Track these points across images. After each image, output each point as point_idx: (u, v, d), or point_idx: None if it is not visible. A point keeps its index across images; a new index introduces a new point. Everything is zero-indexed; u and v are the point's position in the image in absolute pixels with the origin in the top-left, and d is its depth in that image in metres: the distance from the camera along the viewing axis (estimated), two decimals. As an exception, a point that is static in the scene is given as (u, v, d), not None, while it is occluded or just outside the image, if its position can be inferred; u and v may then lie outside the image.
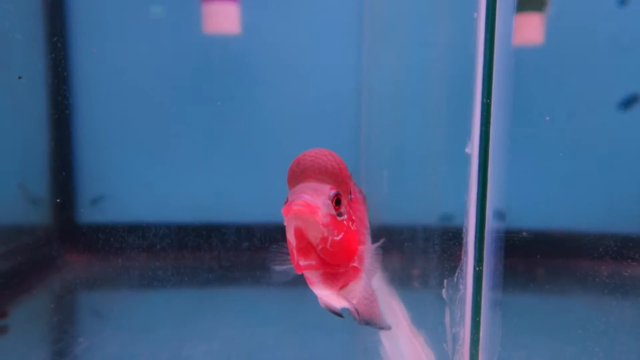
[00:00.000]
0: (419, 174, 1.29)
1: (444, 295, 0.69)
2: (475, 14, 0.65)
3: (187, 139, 1.41)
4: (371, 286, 0.65)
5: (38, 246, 1.29)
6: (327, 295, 0.60)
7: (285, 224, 0.53)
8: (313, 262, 0.54)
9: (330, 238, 0.54)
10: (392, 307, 1.02)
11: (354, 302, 0.61)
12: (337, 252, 0.55)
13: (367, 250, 0.61)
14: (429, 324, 0.87)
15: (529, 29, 1.26)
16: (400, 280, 1.13)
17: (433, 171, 1.24)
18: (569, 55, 1.35)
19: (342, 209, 0.56)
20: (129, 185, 1.44)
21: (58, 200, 1.38)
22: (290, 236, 0.53)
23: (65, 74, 1.28)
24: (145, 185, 1.43)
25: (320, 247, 0.53)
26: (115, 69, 1.35)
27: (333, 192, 0.55)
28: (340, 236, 0.55)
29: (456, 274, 0.67)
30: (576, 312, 1.17)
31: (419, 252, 1.14)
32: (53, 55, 1.24)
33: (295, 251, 0.54)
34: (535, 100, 1.38)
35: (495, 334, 0.65)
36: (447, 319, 0.70)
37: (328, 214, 0.53)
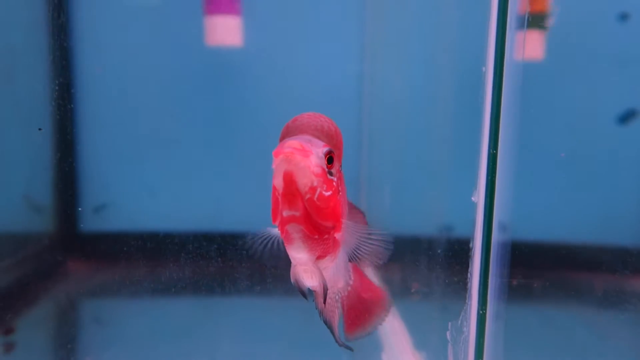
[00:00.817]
0: (421, 186, 1.30)
1: (448, 337, 0.71)
2: (484, 68, 0.66)
3: (189, 148, 1.42)
4: (346, 277, 0.64)
5: (42, 255, 1.30)
6: (302, 263, 0.57)
7: (273, 167, 0.51)
8: (297, 214, 0.51)
9: (319, 190, 0.51)
10: (394, 328, 1.04)
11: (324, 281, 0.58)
12: (324, 208, 0.52)
13: (348, 227, 0.59)
14: (430, 344, 0.89)
15: (530, 46, 1.28)
16: (401, 295, 1.15)
17: (435, 183, 1.25)
18: (569, 71, 1.36)
19: (334, 170, 0.54)
20: (131, 193, 1.45)
21: (61, 208, 1.39)
22: (278, 182, 0.50)
23: (68, 84, 1.28)
24: (148, 193, 1.44)
25: (308, 196, 0.51)
26: (118, 79, 1.35)
27: (327, 148, 0.53)
28: (329, 193, 0.52)
29: (460, 317, 0.69)
30: (570, 327, 1.20)
31: (421, 265, 1.16)
32: (57, 66, 1.24)
33: (280, 199, 0.51)
34: (536, 114, 1.39)
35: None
36: (450, 358, 0.72)
37: (320, 166, 0.51)
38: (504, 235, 1.40)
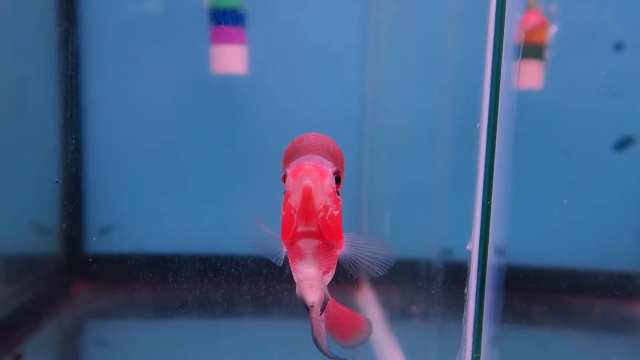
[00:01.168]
0: (421, 209, 1.33)
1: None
2: (478, 124, 0.69)
3: (194, 173, 1.45)
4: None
5: (48, 277, 1.32)
6: (310, 278, 0.58)
7: (288, 186, 0.52)
8: (313, 229, 0.53)
9: (330, 209, 0.53)
10: (392, 354, 1.06)
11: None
12: (333, 226, 0.54)
13: (347, 239, 0.61)
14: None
15: (529, 76, 1.31)
16: (399, 318, 1.17)
17: (435, 206, 1.28)
18: (566, 100, 1.39)
19: (339, 190, 0.56)
20: (137, 216, 1.48)
21: (64, 225, 1.42)
22: (296, 198, 0.51)
23: (77, 109, 1.31)
24: (152, 216, 1.47)
25: (321, 214, 0.52)
26: (125, 105, 1.39)
27: (336, 168, 0.54)
28: (337, 212, 0.54)
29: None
30: (565, 352, 1.22)
31: (420, 289, 1.18)
32: (66, 95, 1.27)
33: (296, 215, 0.52)
34: (535, 141, 1.42)
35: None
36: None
37: (332, 185, 0.53)
38: (501, 259, 1.43)
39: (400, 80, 1.36)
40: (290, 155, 0.55)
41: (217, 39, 1.28)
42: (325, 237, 0.54)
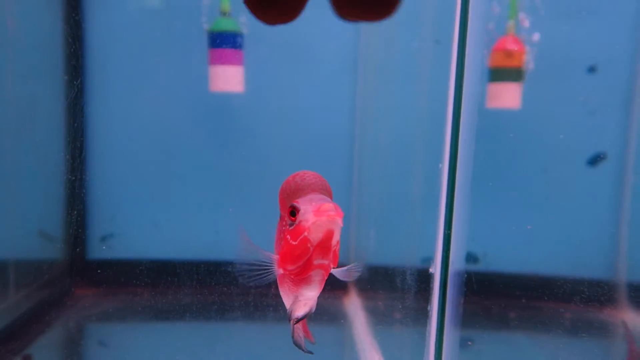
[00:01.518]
0: (403, 222, 1.41)
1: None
2: (440, 165, 0.77)
3: (191, 183, 1.53)
4: None
5: (54, 282, 1.40)
6: (309, 298, 0.64)
7: (305, 222, 0.57)
8: (327, 262, 0.59)
9: (338, 243, 0.59)
10: (372, 354, 1.15)
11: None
12: (337, 256, 0.60)
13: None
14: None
15: (508, 96, 1.39)
16: (383, 322, 1.25)
17: (416, 219, 1.36)
18: (543, 118, 1.48)
19: None
20: (136, 224, 1.55)
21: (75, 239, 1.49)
22: (317, 236, 0.57)
23: (81, 123, 1.39)
24: (151, 224, 1.55)
25: (334, 249, 0.59)
26: (127, 120, 1.47)
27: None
28: (339, 245, 0.61)
29: (425, 347, 0.80)
30: (535, 354, 1.30)
31: (401, 295, 1.26)
32: (71, 110, 1.35)
33: (314, 249, 0.58)
34: (514, 157, 1.51)
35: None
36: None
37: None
38: (474, 266, 1.51)
39: (386, 103, 1.45)
40: (294, 192, 0.60)
41: (215, 60, 1.36)
42: (334, 266, 0.61)
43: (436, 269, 0.85)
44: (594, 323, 1.38)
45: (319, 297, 0.67)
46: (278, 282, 0.66)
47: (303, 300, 0.65)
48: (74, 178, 1.42)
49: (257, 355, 1.25)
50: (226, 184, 1.52)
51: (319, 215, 0.57)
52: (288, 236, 0.60)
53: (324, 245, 0.58)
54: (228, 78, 1.36)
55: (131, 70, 1.43)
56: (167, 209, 1.53)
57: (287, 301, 0.68)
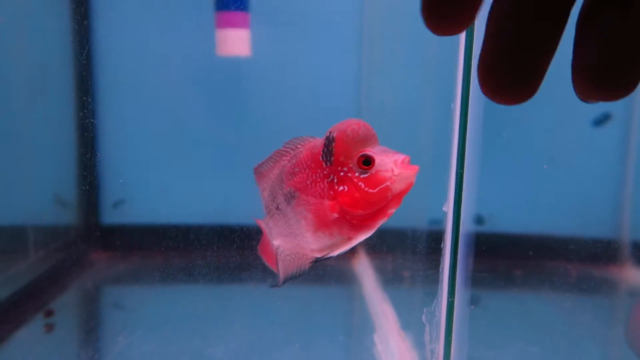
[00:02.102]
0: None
1: (424, 319, 0.85)
2: (452, 104, 0.79)
3: (202, 149, 1.55)
4: None
5: (69, 246, 1.43)
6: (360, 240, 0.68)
7: (396, 177, 0.59)
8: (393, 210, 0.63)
9: None
10: (384, 311, 1.18)
11: None
12: None
13: None
14: (414, 325, 1.02)
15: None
16: (392, 283, 1.28)
17: (424, 181, 1.38)
18: (550, 81, 1.48)
19: None
20: (147, 190, 1.58)
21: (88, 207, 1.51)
22: (400, 186, 0.59)
23: (90, 91, 1.40)
24: (162, 190, 1.57)
25: None
26: (136, 86, 1.48)
27: None
28: None
29: (433, 304, 0.82)
30: (545, 313, 1.33)
31: (410, 256, 1.29)
32: (80, 73, 1.37)
33: (392, 200, 0.61)
34: (519, 119, 1.52)
35: (463, 351, 0.81)
36: (426, 337, 0.86)
37: None
38: (481, 227, 1.53)
39: (392, 63, 1.45)
40: (362, 141, 0.63)
41: (222, 23, 1.36)
42: None
43: (447, 229, 0.87)
44: (599, 280, 1.40)
45: (327, 259, 0.70)
46: (319, 224, 0.68)
47: (352, 242, 0.68)
48: (85, 147, 1.44)
49: (270, 315, 1.29)
50: (235, 147, 1.54)
51: (403, 168, 0.60)
52: (362, 184, 0.62)
53: (402, 195, 0.61)
54: (235, 42, 1.36)
55: (138, 35, 1.43)
56: (176, 175, 1.55)
57: (322, 242, 0.69)
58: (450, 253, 0.81)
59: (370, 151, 0.62)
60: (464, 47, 0.82)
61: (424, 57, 1.31)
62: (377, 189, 0.61)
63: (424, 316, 0.86)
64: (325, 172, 0.65)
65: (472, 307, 1.34)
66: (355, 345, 1.14)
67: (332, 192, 0.66)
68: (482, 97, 0.93)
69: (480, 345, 1.06)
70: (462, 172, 0.87)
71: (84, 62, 1.35)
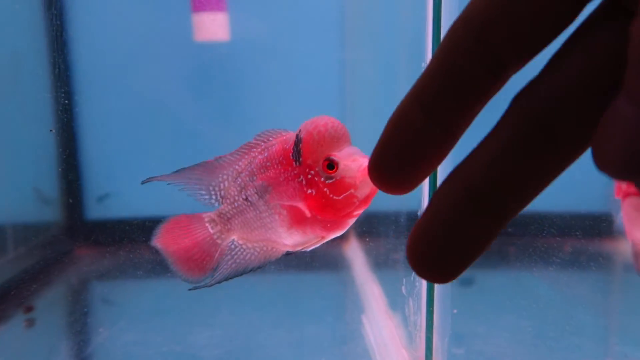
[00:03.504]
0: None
1: (404, 291, 0.82)
2: (423, 64, 0.76)
3: (185, 139, 1.52)
4: None
5: (52, 243, 1.41)
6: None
7: (359, 184, 0.58)
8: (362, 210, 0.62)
9: None
10: (373, 292, 1.15)
11: None
12: None
13: None
14: (402, 304, 1.00)
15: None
16: (380, 265, 1.26)
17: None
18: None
19: None
20: (131, 183, 1.55)
21: (70, 201, 1.49)
22: (364, 193, 0.58)
23: (67, 82, 1.38)
24: (148, 182, 1.54)
25: None
26: (115, 75, 1.45)
27: None
28: None
29: (412, 274, 0.80)
30: (539, 288, 1.31)
31: (400, 237, 1.27)
32: (55, 63, 1.34)
33: (359, 203, 0.60)
34: (505, 89, 1.49)
35: (447, 320, 0.79)
36: (408, 309, 0.83)
37: None
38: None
39: (373, 47, 1.43)
40: (328, 142, 0.61)
41: (198, 7, 1.33)
42: None
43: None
44: (593, 254, 1.39)
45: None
46: (293, 222, 0.66)
47: (325, 240, 0.66)
48: (65, 140, 1.42)
49: (258, 301, 1.26)
50: (219, 136, 1.51)
51: (367, 174, 0.58)
52: (327, 190, 0.61)
53: (368, 200, 0.59)
54: (212, 26, 1.34)
55: (114, 23, 1.40)
56: (160, 166, 1.52)
57: (295, 239, 0.68)
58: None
59: (335, 155, 0.60)
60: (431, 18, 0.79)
61: (402, 31, 1.28)
62: (342, 196, 0.60)
63: (403, 287, 0.83)
64: (295, 172, 0.64)
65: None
66: (343, 326, 1.12)
67: (302, 194, 0.65)
68: None
69: (471, 321, 1.04)
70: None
71: (59, 50, 1.33)
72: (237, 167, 0.71)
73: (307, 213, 0.64)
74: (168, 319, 1.16)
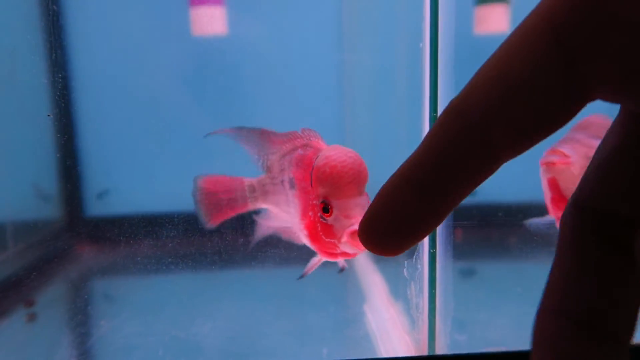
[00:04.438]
0: (392, 159, 1.40)
1: (405, 274, 0.82)
2: (421, 44, 0.76)
3: (184, 134, 1.52)
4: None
5: (52, 239, 1.40)
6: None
7: (342, 245, 0.59)
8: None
9: None
10: (375, 281, 1.15)
11: None
12: None
13: None
14: (404, 292, 1.00)
15: (494, 20, 1.36)
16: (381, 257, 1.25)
17: (404, 153, 1.35)
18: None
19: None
20: (131, 179, 1.55)
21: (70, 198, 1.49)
22: (347, 249, 0.59)
23: (65, 78, 1.37)
24: (146, 178, 1.54)
25: None
26: (114, 70, 1.45)
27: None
28: None
29: (414, 256, 0.79)
30: (541, 277, 1.31)
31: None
32: (53, 58, 1.33)
33: (342, 254, 0.61)
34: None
35: (449, 303, 0.78)
36: (409, 292, 0.83)
37: None
38: (473, 199, 1.50)
39: (372, 38, 1.42)
40: (337, 187, 0.59)
41: (195, 1, 1.33)
42: None
43: None
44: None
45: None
46: (304, 226, 0.67)
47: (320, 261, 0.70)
48: (64, 136, 1.41)
49: (260, 293, 1.26)
50: (216, 130, 1.51)
51: (353, 242, 0.57)
52: (319, 224, 0.61)
53: (350, 255, 0.60)
54: (210, 20, 1.34)
55: (111, 19, 1.40)
56: (160, 162, 1.53)
57: (307, 243, 0.68)
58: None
59: (333, 202, 0.59)
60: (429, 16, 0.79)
61: (401, 25, 1.28)
62: (327, 239, 0.60)
63: (405, 270, 0.83)
64: (310, 188, 0.64)
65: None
66: (345, 315, 1.12)
67: (306, 210, 0.65)
68: (452, 62, 0.90)
69: (473, 309, 1.04)
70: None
71: (56, 46, 1.32)
72: (284, 148, 0.72)
73: (304, 230, 0.64)
74: (169, 312, 1.16)
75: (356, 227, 0.56)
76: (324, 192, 0.60)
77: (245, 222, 1.43)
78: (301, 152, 0.68)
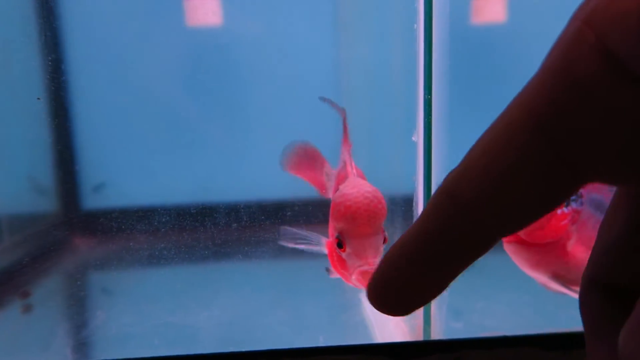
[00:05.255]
0: (391, 150, 1.40)
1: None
2: (415, 25, 0.76)
3: (180, 126, 1.51)
4: None
5: (48, 232, 1.40)
6: None
7: (354, 280, 0.60)
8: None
9: None
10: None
11: None
12: None
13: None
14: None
15: (491, 8, 1.36)
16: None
17: (399, 149, 1.35)
18: (531, 33, 1.44)
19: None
20: (127, 172, 1.54)
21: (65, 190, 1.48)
22: (358, 283, 0.61)
23: (61, 69, 1.37)
24: (142, 171, 1.54)
25: None
26: (109, 62, 1.44)
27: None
28: None
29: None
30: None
31: (397, 220, 1.26)
32: (49, 51, 1.33)
33: (355, 284, 0.63)
34: (498, 77, 1.48)
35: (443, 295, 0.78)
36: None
37: None
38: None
39: (367, 32, 1.42)
40: (351, 225, 0.60)
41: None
42: None
43: (418, 195, 0.85)
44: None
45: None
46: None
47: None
48: (59, 128, 1.41)
49: (257, 284, 1.26)
50: (214, 124, 1.51)
51: (362, 282, 0.58)
52: (334, 254, 0.63)
53: (362, 287, 0.61)
54: (204, 9, 1.33)
55: (108, 11, 1.39)
56: (157, 154, 1.52)
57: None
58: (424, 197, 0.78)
59: (347, 239, 0.59)
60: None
61: (396, 19, 1.28)
62: (340, 270, 0.62)
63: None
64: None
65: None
66: (341, 302, 1.12)
67: (331, 232, 0.66)
68: (446, 67, 0.90)
69: (470, 298, 1.04)
70: (430, 136, 0.85)
71: (52, 40, 1.32)
72: (341, 157, 0.76)
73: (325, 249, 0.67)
74: (165, 302, 1.16)
75: (366, 268, 0.58)
76: (340, 227, 0.61)
77: (240, 215, 1.43)
78: (338, 169, 0.70)
